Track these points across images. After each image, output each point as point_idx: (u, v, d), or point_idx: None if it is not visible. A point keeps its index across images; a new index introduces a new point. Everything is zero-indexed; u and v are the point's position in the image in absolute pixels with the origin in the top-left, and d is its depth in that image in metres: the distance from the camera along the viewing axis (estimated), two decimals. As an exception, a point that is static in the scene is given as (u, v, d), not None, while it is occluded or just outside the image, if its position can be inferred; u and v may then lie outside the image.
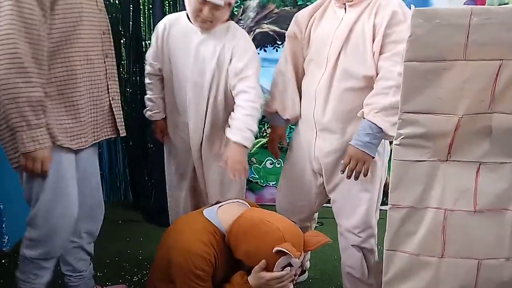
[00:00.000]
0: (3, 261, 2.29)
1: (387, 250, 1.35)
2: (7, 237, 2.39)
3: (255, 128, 1.74)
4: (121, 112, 1.73)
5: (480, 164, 1.26)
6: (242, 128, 1.71)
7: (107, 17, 1.66)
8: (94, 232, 1.78)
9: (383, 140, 1.60)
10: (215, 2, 1.68)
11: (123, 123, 1.73)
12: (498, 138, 1.23)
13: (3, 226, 2.37)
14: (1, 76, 1.32)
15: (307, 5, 1.82)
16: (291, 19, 1.82)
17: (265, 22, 2.79)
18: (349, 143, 1.59)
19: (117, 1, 2.78)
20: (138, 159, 2.95)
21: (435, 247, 1.31)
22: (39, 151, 1.40)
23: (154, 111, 2.04)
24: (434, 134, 1.24)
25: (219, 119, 1.89)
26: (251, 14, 2.81)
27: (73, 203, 1.57)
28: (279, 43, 2.80)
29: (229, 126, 1.76)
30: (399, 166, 1.30)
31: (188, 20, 1.84)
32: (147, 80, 2.04)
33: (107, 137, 1.69)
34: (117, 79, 1.70)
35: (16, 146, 1.42)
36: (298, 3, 2.77)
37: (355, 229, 1.69)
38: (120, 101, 1.73)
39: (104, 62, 1.62)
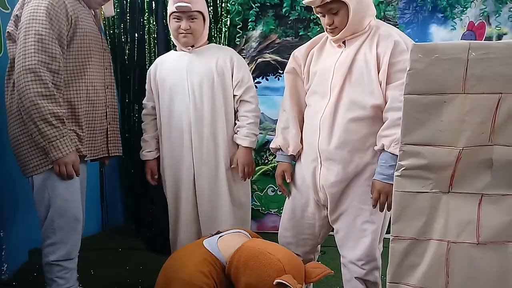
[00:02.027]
0: (1, 289, 2.27)
1: (390, 283, 1.33)
2: (6, 265, 2.37)
3: (258, 131, 2.07)
4: (119, 135, 2.01)
5: (482, 196, 1.25)
6: (249, 134, 2.02)
7: (108, 53, 1.96)
8: None
9: None
10: (185, 6, 1.91)
11: (120, 145, 2.01)
12: (499, 170, 1.23)
13: (3, 253, 2.35)
14: (32, 100, 1.59)
15: (309, 35, 1.86)
16: (293, 49, 1.86)
17: (267, 51, 2.85)
18: (374, 178, 1.59)
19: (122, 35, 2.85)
20: (139, 187, 2.95)
21: (438, 279, 1.29)
22: (70, 155, 1.66)
23: (146, 150, 2.14)
24: (435, 166, 1.24)
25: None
26: (254, 44, 2.87)
27: (80, 204, 1.79)
28: (281, 72, 2.84)
29: (235, 133, 2.05)
30: (401, 197, 1.29)
31: (176, 52, 2.07)
32: (142, 122, 2.18)
33: (102, 156, 1.93)
34: (116, 107, 1.99)
35: (36, 156, 1.68)
36: (300, 34, 2.82)
37: (359, 261, 1.67)
38: (118, 126, 2.01)
39: (105, 93, 1.89)
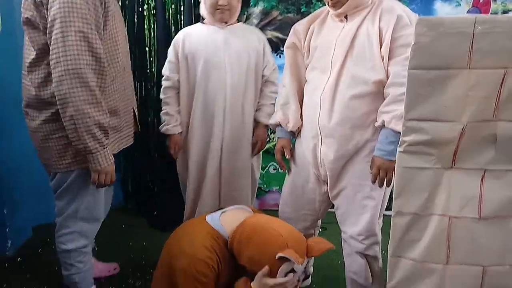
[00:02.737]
0: (6, 265, 2.30)
1: (391, 257, 1.35)
2: (10, 242, 2.40)
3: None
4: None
5: (485, 172, 1.26)
6: (270, 113, 2.04)
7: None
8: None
9: None
10: None
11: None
12: (503, 146, 1.23)
13: (7, 230, 2.38)
14: (78, 107, 1.46)
15: (311, 12, 1.83)
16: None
17: (269, 28, 2.81)
18: (374, 154, 1.59)
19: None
20: (141, 165, 2.96)
21: (439, 254, 1.31)
22: (110, 166, 1.60)
23: (172, 125, 2.12)
24: (438, 141, 1.24)
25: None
26: (255, 21, 2.83)
27: (103, 200, 1.79)
28: (282, 49, 2.79)
29: (256, 110, 2.13)
30: (404, 173, 1.30)
31: (205, 26, 2.06)
32: (163, 95, 2.15)
33: (129, 144, 1.84)
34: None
35: (71, 154, 1.60)
36: (302, 10, 2.78)
37: (359, 236, 1.69)
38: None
39: (130, 70, 1.81)
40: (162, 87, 2.15)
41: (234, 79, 2.02)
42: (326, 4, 1.67)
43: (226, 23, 2.05)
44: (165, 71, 2.15)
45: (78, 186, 1.67)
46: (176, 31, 2.62)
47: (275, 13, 2.83)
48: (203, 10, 2.06)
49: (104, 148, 1.56)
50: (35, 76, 1.56)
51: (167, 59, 2.15)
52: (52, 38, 1.44)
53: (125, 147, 1.79)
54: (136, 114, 1.88)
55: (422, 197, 1.29)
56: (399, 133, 1.42)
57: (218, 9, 1.98)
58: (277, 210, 1.94)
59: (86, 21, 1.43)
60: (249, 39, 2.07)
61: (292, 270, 1.48)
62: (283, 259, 1.44)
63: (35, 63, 1.55)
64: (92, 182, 1.61)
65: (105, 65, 1.51)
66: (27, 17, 1.51)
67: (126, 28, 1.86)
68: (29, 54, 1.56)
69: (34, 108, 1.61)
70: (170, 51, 2.13)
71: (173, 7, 2.74)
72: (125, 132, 1.77)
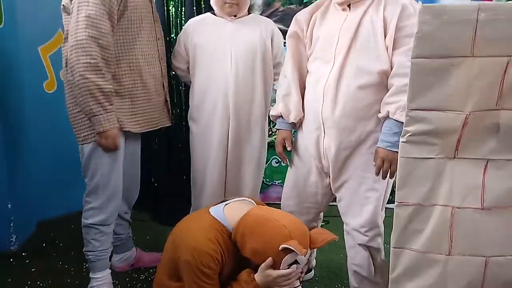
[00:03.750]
0: (11, 260, 2.31)
1: (394, 247, 1.34)
2: (15, 236, 2.41)
3: None
4: (169, 106, 2.06)
5: (487, 161, 1.25)
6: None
7: (159, 27, 1.99)
8: (130, 202, 2.11)
9: None
10: None
11: (170, 115, 2.08)
12: (505, 135, 1.22)
13: (11, 225, 2.39)
14: (81, 73, 1.65)
15: (312, 3, 1.82)
16: (295, 16, 1.82)
17: (271, 20, 2.78)
18: (378, 145, 1.58)
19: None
20: (142, 159, 2.96)
21: (442, 244, 1.30)
22: (113, 130, 1.73)
23: None
24: (441, 131, 1.23)
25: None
26: (257, 12, 2.81)
27: (121, 178, 1.89)
28: (284, 40, 2.79)
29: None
30: (406, 163, 1.29)
31: (214, 16, 2.07)
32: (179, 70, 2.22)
33: (160, 126, 2.01)
34: (168, 77, 2.06)
35: (86, 127, 1.76)
36: (304, 1, 2.77)
37: (362, 228, 1.68)
38: (168, 97, 2.05)
39: (160, 64, 1.95)
40: (178, 75, 2.26)
41: (239, 72, 2.02)
42: None
43: (235, 16, 2.05)
44: (174, 60, 2.19)
45: (94, 160, 1.81)
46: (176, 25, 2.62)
47: (277, 4, 2.81)
48: (213, 1, 2.06)
49: (106, 112, 1.70)
50: (63, 56, 1.78)
51: (175, 48, 2.17)
52: (71, 20, 1.70)
53: (144, 130, 1.92)
54: (169, 108, 2.04)
55: (424, 187, 1.28)
56: (404, 123, 1.42)
57: (226, 3, 1.99)
58: (280, 204, 1.93)
59: (96, 6, 1.65)
60: (258, 31, 2.07)
61: (296, 262, 1.48)
62: (287, 250, 1.45)
63: (65, 44, 1.77)
64: (98, 144, 1.76)
65: (110, 40, 1.70)
66: (63, 4, 1.78)
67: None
68: (64, 37, 1.79)
69: (65, 86, 1.82)
70: (179, 40, 2.14)
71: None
72: (143, 117, 1.89)
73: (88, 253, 1.89)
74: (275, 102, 1.88)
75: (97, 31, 1.65)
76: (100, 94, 1.67)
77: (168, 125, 2.06)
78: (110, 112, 1.72)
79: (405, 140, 1.28)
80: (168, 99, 2.04)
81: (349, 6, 1.63)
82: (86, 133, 1.78)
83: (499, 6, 1.12)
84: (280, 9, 2.81)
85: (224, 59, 2.02)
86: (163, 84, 1.97)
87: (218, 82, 2.04)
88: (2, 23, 2.30)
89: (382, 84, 1.58)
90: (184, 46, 2.12)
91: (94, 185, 1.83)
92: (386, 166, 1.57)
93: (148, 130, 1.93)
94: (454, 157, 1.26)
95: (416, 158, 1.28)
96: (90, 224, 1.85)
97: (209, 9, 2.18)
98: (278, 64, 2.17)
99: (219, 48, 2.02)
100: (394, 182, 1.35)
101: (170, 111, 2.08)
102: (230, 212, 1.62)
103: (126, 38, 1.79)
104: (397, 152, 1.42)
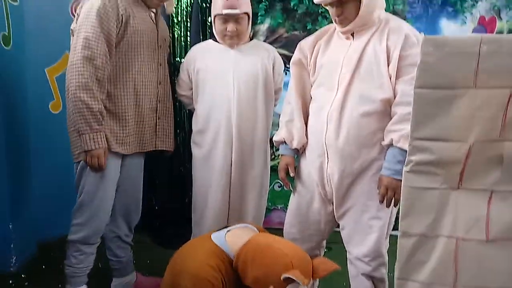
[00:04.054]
0: (10, 281, 2.29)
1: (398, 279, 1.32)
2: (14, 257, 2.39)
3: None
4: (170, 130, 2.10)
5: (492, 193, 1.24)
6: None
7: (164, 52, 2.05)
8: (130, 225, 2.11)
9: None
10: (233, 13, 1.94)
11: (169, 140, 2.10)
12: (509, 166, 1.21)
13: (11, 246, 2.37)
14: (73, 91, 1.73)
15: (316, 29, 1.84)
16: (299, 42, 1.84)
17: (275, 46, 2.78)
18: (381, 173, 1.58)
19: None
20: (144, 183, 2.96)
21: (447, 276, 1.28)
22: (98, 150, 1.77)
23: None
24: (445, 161, 1.23)
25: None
26: (261, 38, 2.85)
27: (109, 199, 1.91)
28: (288, 66, 2.80)
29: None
30: (410, 193, 1.28)
31: (217, 43, 2.10)
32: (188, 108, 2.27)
33: (152, 149, 2.04)
34: (169, 103, 2.09)
35: (78, 145, 1.81)
36: (307, 27, 2.80)
37: (365, 257, 1.66)
38: (170, 122, 2.10)
39: (157, 88, 1.99)
40: (182, 103, 2.27)
41: (242, 97, 2.04)
42: (333, 21, 1.68)
43: (237, 44, 2.09)
44: (178, 88, 2.22)
45: (83, 177, 1.85)
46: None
47: (281, 30, 2.85)
48: (214, 31, 2.09)
49: (93, 132, 1.75)
50: None
51: (179, 76, 2.20)
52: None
53: (128, 153, 1.93)
54: (165, 131, 2.07)
55: (429, 217, 1.28)
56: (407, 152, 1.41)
57: (226, 36, 2.03)
58: (282, 229, 1.91)
59: (93, 29, 1.74)
60: (259, 57, 2.10)
61: (297, 291, 1.46)
62: (288, 280, 1.42)
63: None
64: (84, 161, 1.80)
65: (104, 61, 1.76)
66: (71, 29, 1.87)
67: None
68: None
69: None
70: (183, 67, 2.18)
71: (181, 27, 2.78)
72: (134, 138, 1.93)
73: (66, 266, 1.93)
74: (278, 126, 1.89)
75: (92, 52, 1.73)
76: (88, 113, 1.73)
77: (164, 149, 2.08)
78: (97, 132, 1.76)
79: (408, 169, 1.27)
80: (163, 124, 2.06)
81: (352, 34, 1.65)
82: (78, 151, 1.83)
83: (501, 39, 1.14)
84: (284, 35, 2.85)
85: (227, 85, 2.04)
86: (156, 108, 2.01)
87: (221, 107, 2.05)
88: (11, 45, 2.33)
89: (385, 112, 1.59)
90: (187, 73, 2.14)
91: (79, 202, 1.88)
92: (390, 194, 1.56)
93: (137, 152, 1.97)
94: (458, 188, 1.26)
95: (420, 188, 1.27)
96: (71, 239, 1.89)
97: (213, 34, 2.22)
98: (279, 89, 2.21)
99: (222, 74, 2.05)
100: (399, 209, 1.33)
101: (172, 136, 2.11)
102: (232, 238, 1.60)
103: (124, 60, 1.85)
104: (401, 180, 1.41)
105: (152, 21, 1.97)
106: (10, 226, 2.35)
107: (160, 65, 2.00)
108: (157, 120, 2.02)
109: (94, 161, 1.78)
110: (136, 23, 1.86)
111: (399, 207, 1.32)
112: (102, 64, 1.76)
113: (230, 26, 1.99)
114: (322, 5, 1.66)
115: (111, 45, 1.79)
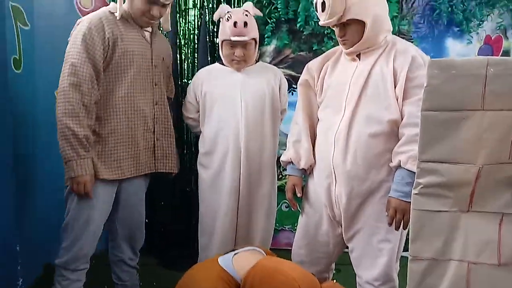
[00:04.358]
0: (16, 304, 2.27)
1: (408, 304, 1.29)
2: (21, 280, 2.38)
3: None
4: (171, 151, 2.05)
5: (503, 215, 1.22)
6: None
7: (160, 71, 1.99)
8: (134, 248, 2.08)
9: None
10: (242, 40, 1.99)
11: (171, 161, 2.05)
12: (520, 189, 1.19)
13: (18, 268, 2.37)
14: (60, 118, 1.73)
15: (322, 50, 1.86)
16: (307, 63, 1.85)
17: (281, 66, 2.84)
18: (390, 195, 1.56)
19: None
20: (150, 204, 2.95)
21: (459, 301, 1.25)
22: (84, 176, 1.74)
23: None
24: (454, 184, 1.22)
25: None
26: (267, 59, 2.87)
27: (95, 225, 1.85)
28: (295, 86, 2.83)
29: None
30: (419, 216, 1.26)
31: (223, 66, 2.13)
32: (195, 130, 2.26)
33: (148, 172, 1.99)
34: (168, 123, 2.03)
35: (65, 172, 1.78)
36: (314, 48, 2.82)
37: (375, 281, 1.63)
38: (171, 142, 2.05)
39: (154, 109, 1.96)
40: (188, 126, 2.27)
41: (250, 118, 2.06)
42: (338, 41, 1.70)
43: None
44: (185, 111, 2.23)
45: (69, 201, 1.84)
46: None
47: (287, 51, 2.87)
48: (222, 55, 2.12)
49: (79, 158, 1.73)
50: None
51: (186, 98, 2.22)
52: None
53: (119, 178, 1.88)
54: (165, 152, 2.02)
55: (439, 241, 1.25)
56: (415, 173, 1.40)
57: (234, 60, 2.06)
58: (290, 249, 1.89)
59: (78, 54, 1.75)
60: (265, 78, 2.12)
61: (305, 316, 1.43)
62: (296, 305, 1.40)
63: None
64: (70, 188, 1.78)
65: (90, 87, 1.75)
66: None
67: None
68: None
69: None
70: (190, 90, 2.19)
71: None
72: (126, 162, 1.89)
73: None
74: (285, 146, 1.89)
75: (78, 78, 1.73)
76: (74, 139, 1.72)
77: (164, 171, 2.04)
78: (83, 158, 1.74)
79: (417, 192, 1.26)
80: (162, 145, 2.01)
81: (358, 56, 1.66)
82: (66, 177, 1.80)
83: (507, 61, 1.14)
84: (290, 56, 2.87)
85: (235, 107, 2.06)
86: (154, 129, 1.97)
87: (229, 129, 2.06)
88: (21, 68, 2.37)
89: (392, 133, 1.58)
90: (194, 96, 2.16)
91: (64, 226, 1.86)
92: (399, 216, 1.54)
93: (133, 176, 1.92)
94: (468, 211, 1.24)
95: (429, 211, 1.26)
96: (56, 263, 1.87)
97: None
98: (284, 110, 2.25)
99: (229, 97, 2.07)
100: (409, 231, 1.32)
101: (174, 157, 2.07)
102: (239, 262, 1.59)
103: (113, 83, 1.83)
104: (410, 202, 1.39)
105: (146, 40, 1.93)
106: (18, 248, 2.35)
107: (155, 85, 1.97)
108: (156, 142, 1.99)
109: (79, 188, 1.75)
110: (125, 44, 1.83)
111: (410, 231, 1.30)
112: (88, 90, 1.75)
113: (238, 52, 2.03)
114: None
115: (98, 69, 1.78)
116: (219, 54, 2.17)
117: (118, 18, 1.83)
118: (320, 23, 1.66)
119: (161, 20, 1.99)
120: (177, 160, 2.12)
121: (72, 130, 1.71)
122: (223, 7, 2.09)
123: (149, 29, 1.96)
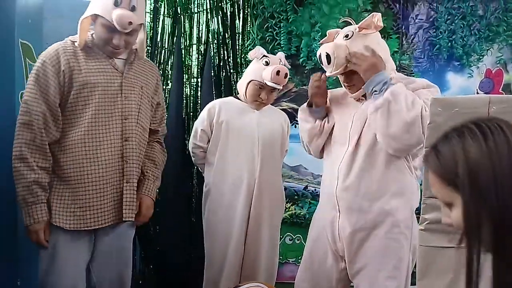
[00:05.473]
0: None
1: None
2: (21, 280, 2.34)
3: None
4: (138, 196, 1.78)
5: None
6: None
7: (134, 103, 1.73)
8: None
9: (410, 222, 1.58)
10: (275, 87, 2.08)
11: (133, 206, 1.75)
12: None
13: (18, 284, 2.32)
14: (12, 161, 1.60)
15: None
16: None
17: (284, 100, 2.87)
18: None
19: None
20: (146, 235, 2.92)
21: None
22: (34, 225, 1.60)
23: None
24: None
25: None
26: (272, 93, 2.91)
27: (67, 278, 1.66)
28: (297, 119, 2.86)
29: None
30: (426, 252, 1.26)
31: (239, 101, 2.19)
32: (199, 162, 2.27)
33: (117, 221, 1.72)
34: (136, 161, 1.74)
35: None
36: (316, 82, 2.86)
37: (382, 320, 1.60)
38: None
39: (122, 145, 1.70)
40: (194, 156, 2.24)
41: (265, 156, 2.13)
42: (343, 86, 1.74)
43: None
44: (196, 140, 2.19)
45: (40, 254, 1.71)
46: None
47: (290, 85, 2.91)
48: (240, 89, 2.18)
49: (27, 206, 1.60)
50: None
51: (198, 127, 2.19)
52: None
53: (79, 228, 1.67)
54: (134, 196, 1.73)
55: (447, 278, 1.24)
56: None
57: (258, 101, 2.13)
58: (293, 283, 1.86)
59: (30, 91, 1.62)
60: (277, 120, 2.24)
61: None
62: None
63: None
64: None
65: (43, 126, 1.61)
66: None
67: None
68: None
69: None
70: (204, 118, 2.17)
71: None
72: (90, 211, 1.66)
73: None
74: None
75: (29, 117, 1.59)
76: (24, 185, 1.59)
77: (128, 220, 1.72)
78: (32, 205, 1.60)
79: (423, 228, 1.26)
80: (133, 188, 1.73)
81: (364, 96, 1.69)
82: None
83: (509, 99, 1.16)
84: (293, 90, 2.91)
85: (252, 142, 2.12)
86: (122, 170, 1.69)
87: (245, 163, 2.11)
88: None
89: (396, 164, 1.60)
90: (209, 124, 2.15)
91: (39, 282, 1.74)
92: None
93: (95, 227, 1.67)
94: (476, 247, 1.22)
95: (436, 247, 1.25)
96: None
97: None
98: (286, 151, 2.35)
99: (247, 132, 2.13)
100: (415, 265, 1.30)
101: (128, 203, 1.71)
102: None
103: (72, 117, 1.65)
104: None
105: (116, 69, 1.71)
106: (19, 282, 2.32)
107: (125, 119, 1.69)
108: (125, 184, 1.70)
109: (33, 237, 1.61)
110: (84, 76, 1.64)
111: (417, 267, 1.29)
112: (39, 128, 1.60)
113: (264, 95, 2.11)
114: None
115: (53, 106, 1.63)
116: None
117: (80, 48, 1.67)
118: (327, 74, 1.70)
119: (137, 47, 1.79)
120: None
121: (21, 174, 1.58)
122: (260, 49, 2.17)
123: (124, 56, 1.76)
